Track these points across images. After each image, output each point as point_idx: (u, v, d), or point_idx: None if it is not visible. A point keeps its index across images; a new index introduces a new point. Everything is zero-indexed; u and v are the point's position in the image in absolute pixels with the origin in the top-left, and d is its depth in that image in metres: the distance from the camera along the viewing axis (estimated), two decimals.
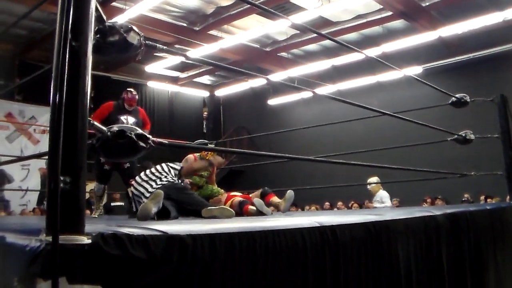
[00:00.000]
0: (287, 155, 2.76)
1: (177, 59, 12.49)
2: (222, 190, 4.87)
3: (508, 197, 4.65)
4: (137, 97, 5.76)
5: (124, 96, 5.56)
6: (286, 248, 1.67)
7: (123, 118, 5.41)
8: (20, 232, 1.40)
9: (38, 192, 11.16)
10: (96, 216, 5.39)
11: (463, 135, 4.40)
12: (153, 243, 1.27)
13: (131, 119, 5.47)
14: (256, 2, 7.87)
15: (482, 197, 9.94)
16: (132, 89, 5.69)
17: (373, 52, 10.73)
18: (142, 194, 4.12)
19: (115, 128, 1.39)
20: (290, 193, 4.43)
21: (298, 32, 12.11)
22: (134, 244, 1.23)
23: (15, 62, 12.44)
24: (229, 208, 3.79)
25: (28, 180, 11.75)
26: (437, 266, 2.62)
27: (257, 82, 14.39)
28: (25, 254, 1.18)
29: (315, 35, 10.83)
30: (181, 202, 3.88)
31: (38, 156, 3.21)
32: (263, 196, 4.58)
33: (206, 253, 1.40)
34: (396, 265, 2.24)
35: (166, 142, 1.71)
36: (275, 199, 4.51)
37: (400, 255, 2.27)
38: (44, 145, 11.89)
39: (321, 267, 1.81)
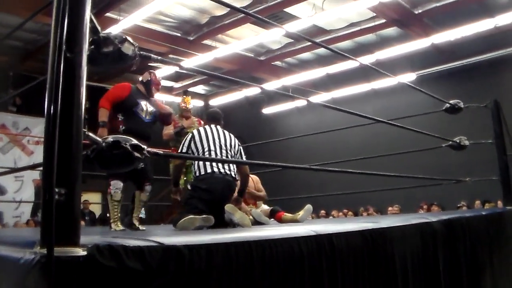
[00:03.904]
0: (281, 164, 2.76)
1: (171, 69, 12.49)
2: None
3: (500, 202, 4.67)
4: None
5: (151, 79, 4.57)
6: (283, 257, 1.66)
7: (143, 104, 4.41)
8: (14, 244, 1.39)
9: (32, 204, 11.12)
10: (122, 228, 4.28)
11: (458, 141, 4.42)
12: (149, 254, 1.26)
13: (150, 107, 4.49)
14: (250, 12, 7.90)
15: (478, 202, 9.98)
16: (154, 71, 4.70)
17: (367, 59, 10.77)
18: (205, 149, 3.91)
19: (109, 139, 1.39)
20: (309, 206, 4.43)
21: (292, 40, 12.14)
22: (130, 256, 1.22)
23: (9, 73, 12.41)
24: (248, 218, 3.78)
25: (22, 191, 11.68)
26: (433, 272, 2.62)
27: (252, 91, 14.41)
28: (20, 266, 1.18)
29: (309, 43, 10.89)
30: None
31: (33, 167, 3.17)
32: (273, 214, 4.55)
33: (202, 263, 1.39)
34: (393, 273, 2.24)
35: (161, 152, 1.71)
36: (287, 215, 4.48)
37: (397, 262, 2.27)
38: (38, 156, 11.85)
39: (318, 275, 1.80)
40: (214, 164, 3.87)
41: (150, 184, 4.36)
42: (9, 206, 11.14)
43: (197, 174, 3.87)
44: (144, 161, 1.47)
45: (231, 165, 3.95)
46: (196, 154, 3.95)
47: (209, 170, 3.81)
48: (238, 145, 4.17)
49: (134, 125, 4.18)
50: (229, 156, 4.03)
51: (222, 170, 3.84)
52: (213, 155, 3.92)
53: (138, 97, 4.41)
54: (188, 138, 4.03)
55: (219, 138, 4.04)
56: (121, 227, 4.24)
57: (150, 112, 4.43)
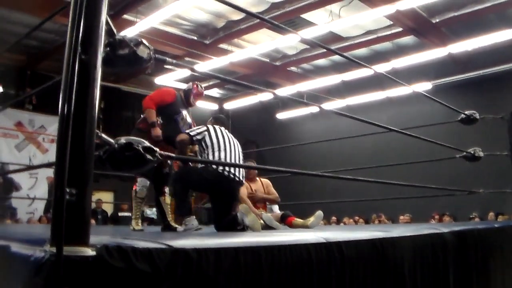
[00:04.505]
0: (294, 170, 2.76)
1: (186, 72, 12.54)
2: None
3: None
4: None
5: (192, 89, 4.62)
6: (292, 263, 1.66)
7: (184, 113, 4.50)
8: (25, 241, 1.40)
9: (45, 201, 11.22)
10: (140, 228, 4.34)
11: (472, 152, 4.38)
12: (157, 256, 1.27)
13: (189, 118, 4.57)
14: (267, 17, 7.91)
15: (491, 214, 9.87)
16: (200, 83, 4.74)
17: (382, 67, 10.73)
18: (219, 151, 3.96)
19: (122, 140, 1.40)
20: (320, 212, 4.44)
21: (308, 47, 12.12)
22: (138, 257, 1.22)
23: (26, 72, 12.54)
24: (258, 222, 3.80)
25: (35, 188, 11.80)
26: (443, 284, 2.59)
27: (266, 96, 14.41)
28: (30, 264, 1.19)
29: (325, 50, 10.86)
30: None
31: (46, 166, 3.21)
32: (284, 219, 4.56)
33: (211, 267, 1.39)
34: (402, 283, 2.22)
35: (173, 155, 1.71)
36: (298, 220, 4.48)
37: (407, 272, 2.25)
38: (52, 154, 11.92)
39: (327, 283, 1.79)
40: (226, 167, 3.90)
41: (166, 186, 4.47)
42: (23, 203, 11.25)
43: (209, 164, 3.92)
44: (155, 163, 1.47)
45: (241, 172, 3.99)
46: (210, 148, 3.96)
47: (220, 169, 3.86)
48: (241, 153, 4.23)
49: (171, 132, 4.26)
50: (238, 159, 4.11)
51: (231, 173, 3.87)
52: (223, 155, 3.95)
53: (181, 105, 4.50)
54: (203, 130, 4.05)
55: (229, 141, 4.09)
56: (140, 227, 4.37)
57: (188, 123, 4.52)
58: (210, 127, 4.11)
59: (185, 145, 4.07)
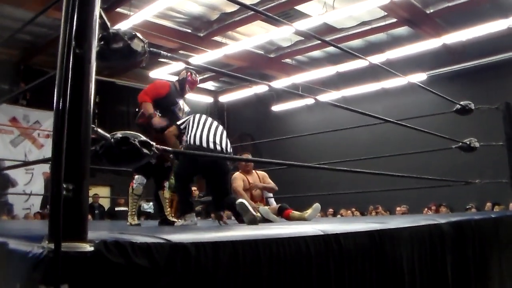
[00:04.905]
0: (290, 162, 2.75)
1: (181, 65, 12.49)
2: None
3: (511, 204, 4.63)
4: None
5: (186, 77, 4.64)
6: (290, 256, 1.66)
7: (180, 103, 4.53)
8: (23, 238, 1.40)
9: (42, 196, 11.19)
10: (137, 223, 4.39)
11: (468, 142, 4.39)
12: (156, 251, 1.26)
13: (186, 107, 4.62)
14: (261, 9, 7.88)
15: (489, 204, 9.91)
16: (194, 71, 4.75)
17: (377, 58, 10.73)
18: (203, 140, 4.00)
19: (118, 134, 1.39)
20: (317, 205, 4.46)
21: (303, 38, 12.11)
22: (137, 252, 1.22)
23: (20, 67, 12.47)
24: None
25: (32, 184, 11.77)
26: (441, 274, 2.60)
27: (261, 88, 14.39)
28: (28, 260, 1.18)
29: (319, 41, 10.85)
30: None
31: (42, 161, 3.20)
32: (281, 212, 4.56)
33: (209, 261, 1.39)
34: (401, 274, 2.22)
35: (170, 149, 1.70)
36: (295, 212, 4.48)
37: (405, 263, 2.26)
38: (48, 150, 11.77)
39: (325, 275, 1.80)
40: (204, 139, 3.97)
41: (166, 180, 4.54)
42: (19, 198, 11.22)
43: (188, 143, 4.01)
44: (151, 157, 1.46)
45: (222, 142, 4.06)
46: (191, 128, 4.08)
47: (197, 143, 3.93)
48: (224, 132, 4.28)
49: (171, 124, 4.26)
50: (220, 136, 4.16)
51: (211, 145, 3.94)
52: (200, 131, 4.04)
53: (176, 95, 4.53)
54: (188, 117, 4.22)
55: (211, 122, 4.21)
56: (136, 221, 4.41)
57: (186, 112, 4.55)
58: (197, 115, 4.24)
59: (173, 136, 4.15)
